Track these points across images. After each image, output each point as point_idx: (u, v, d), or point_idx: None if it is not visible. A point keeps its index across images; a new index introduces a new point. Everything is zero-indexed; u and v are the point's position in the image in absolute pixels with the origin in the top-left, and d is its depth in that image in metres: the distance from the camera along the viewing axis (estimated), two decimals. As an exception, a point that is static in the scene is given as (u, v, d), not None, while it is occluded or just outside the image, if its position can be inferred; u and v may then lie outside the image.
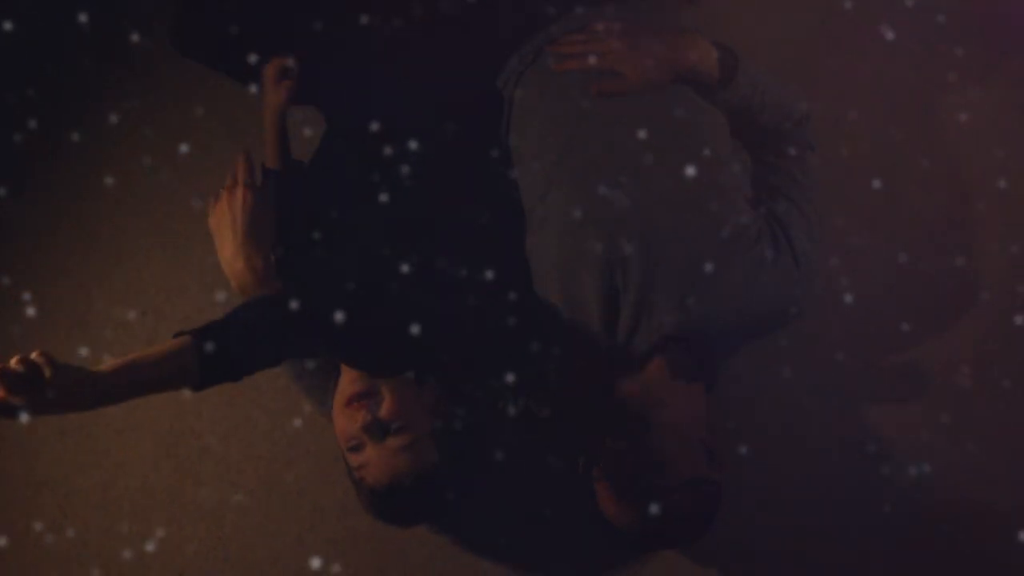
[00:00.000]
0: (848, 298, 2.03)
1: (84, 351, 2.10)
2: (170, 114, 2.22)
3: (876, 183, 2.08)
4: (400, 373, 1.73)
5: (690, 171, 1.75)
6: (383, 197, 1.82)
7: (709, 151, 1.77)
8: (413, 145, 1.84)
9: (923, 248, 2.06)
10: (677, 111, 1.78)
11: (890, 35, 2.15)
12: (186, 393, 2.01)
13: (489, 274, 1.80)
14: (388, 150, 1.84)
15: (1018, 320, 2.01)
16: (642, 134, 1.75)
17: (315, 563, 1.98)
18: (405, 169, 1.82)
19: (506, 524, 1.97)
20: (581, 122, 1.77)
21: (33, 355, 1.33)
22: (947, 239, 2.07)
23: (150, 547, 2.01)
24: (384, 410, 1.71)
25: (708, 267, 1.73)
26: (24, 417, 1.33)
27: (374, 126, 1.85)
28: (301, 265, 1.82)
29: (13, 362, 1.32)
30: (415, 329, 1.69)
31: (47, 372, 1.32)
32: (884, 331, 2.03)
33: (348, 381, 1.75)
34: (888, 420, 1.99)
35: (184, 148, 2.19)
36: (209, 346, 1.49)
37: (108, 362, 1.43)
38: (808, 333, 1.98)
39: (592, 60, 1.78)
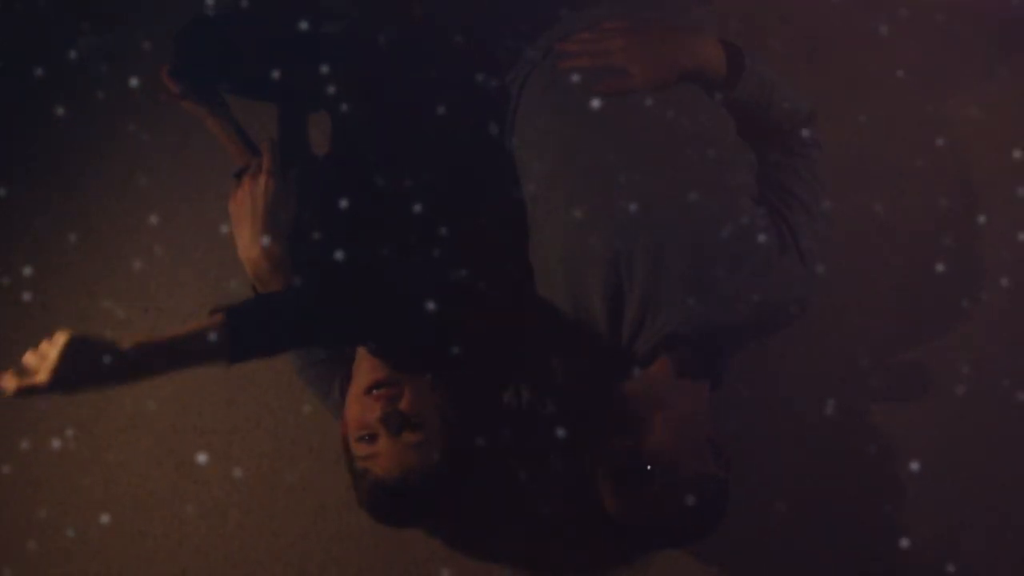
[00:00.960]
0: (851, 297, 2.03)
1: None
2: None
3: (881, 182, 2.08)
4: (423, 371, 1.73)
5: (695, 169, 1.75)
6: (385, 198, 1.81)
7: (715, 149, 1.77)
8: (417, 145, 1.84)
9: (926, 247, 2.06)
10: (683, 110, 1.77)
11: (896, 33, 2.15)
12: (188, 391, 2.04)
13: (490, 273, 1.81)
14: (391, 150, 1.84)
15: (1019, 319, 2.02)
16: (647, 133, 1.74)
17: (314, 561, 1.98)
18: (408, 170, 1.82)
19: (507, 522, 1.97)
20: (585, 121, 1.76)
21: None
22: (949, 238, 2.07)
23: (151, 545, 2.00)
24: (405, 403, 1.70)
25: (713, 265, 1.72)
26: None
27: (378, 126, 1.85)
28: (314, 258, 1.82)
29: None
30: (425, 326, 1.70)
31: (62, 339, 1.33)
32: (886, 330, 2.04)
33: (369, 368, 1.74)
34: (890, 420, 1.99)
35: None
36: (242, 326, 1.50)
37: (136, 335, 1.43)
38: (810, 332, 1.97)
39: (598, 59, 1.78)
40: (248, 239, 1.82)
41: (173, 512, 2.01)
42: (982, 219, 2.08)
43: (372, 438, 1.71)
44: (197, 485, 2.02)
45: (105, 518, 2.01)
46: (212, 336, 1.47)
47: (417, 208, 1.80)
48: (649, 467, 1.63)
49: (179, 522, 2.00)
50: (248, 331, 1.51)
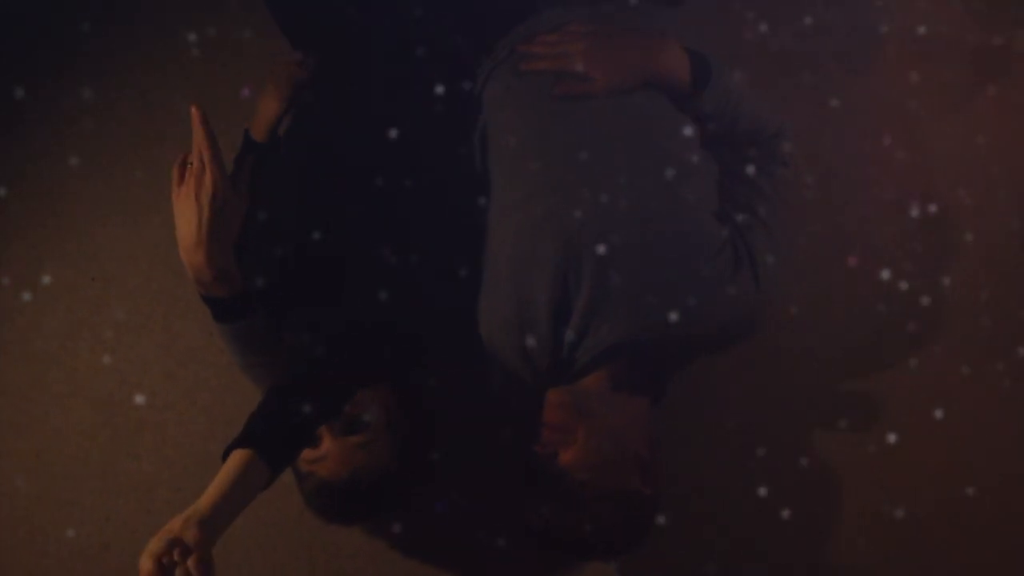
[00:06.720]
0: (805, 317, 2.00)
1: (30, 307, 2.07)
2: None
3: (845, 201, 2.05)
4: (382, 380, 1.72)
5: (654, 179, 1.71)
6: (351, 192, 1.78)
7: (675, 160, 1.72)
8: (384, 142, 1.80)
9: (885, 269, 2.03)
10: (645, 117, 1.74)
11: (871, 56, 2.13)
12: (128, 363, 2.03)
13: (448, 271, 1.78)
14: (360, 144, 1.80)
15: (1005, 328, 2.00)
16: (606, 139, 1.71)
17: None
18: (374, 166, 1.78)
19: (439, 520, 1.95)
20: (545, 124, 1.73)
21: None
22: (910, 261, 2.05)
23: (78, 515, 1.98)
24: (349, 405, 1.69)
25: (664, 277, 1.69)
26: None
27: (347, 119, 1.82)
28: (264, 267, 1.77)
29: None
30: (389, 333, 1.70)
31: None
32: (839, 351, 2.01)
33: None
34: (838, 441, 1.97)
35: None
36: (269, 452, 1.50)
37: (202, 501, 1.46)
38: (761, 351, 1.96)
39: (560, 61, 1.74)
40: (191, 244, 1.63)
41: (103, 485, 1.99)
42: (947, 237, 2.05)
43: (316, 440, 1.70)
44: (129, 459, 2.00)
45: (34, 486, 1.99)
46: (252, 468, 1.48)
47: (374, 210, 1.77)
48: (569, 478, 1.60)
49: (108, 495, 1.98)
50: (279, 446, 1.52)
